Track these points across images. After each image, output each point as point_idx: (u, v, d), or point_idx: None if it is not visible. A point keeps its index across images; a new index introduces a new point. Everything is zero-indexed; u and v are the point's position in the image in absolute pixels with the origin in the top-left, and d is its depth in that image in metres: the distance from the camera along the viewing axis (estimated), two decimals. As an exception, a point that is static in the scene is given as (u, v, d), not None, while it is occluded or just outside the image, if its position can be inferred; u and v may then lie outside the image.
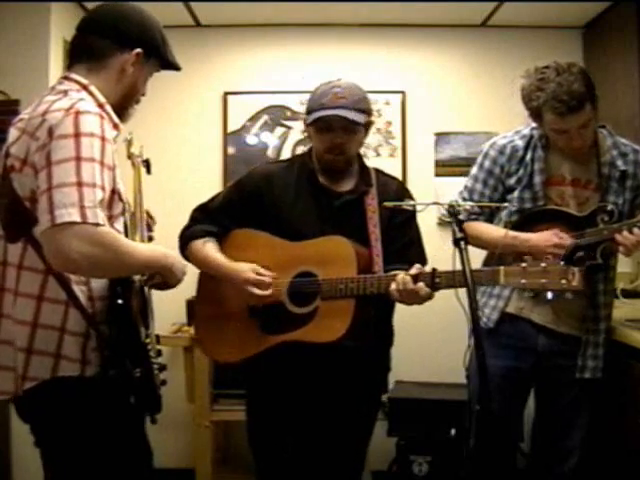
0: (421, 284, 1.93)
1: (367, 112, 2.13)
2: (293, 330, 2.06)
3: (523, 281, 1.88)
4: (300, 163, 2.22)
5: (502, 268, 1.91)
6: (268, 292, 2.07)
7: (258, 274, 2.08)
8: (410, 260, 2.10)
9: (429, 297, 1.96)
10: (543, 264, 1.86)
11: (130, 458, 1.65)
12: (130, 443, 1.66)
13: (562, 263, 1.87)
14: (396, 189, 2.23)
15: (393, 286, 1.96)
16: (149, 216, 1.92)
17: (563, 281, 1.83)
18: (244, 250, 2.15)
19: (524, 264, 1.88)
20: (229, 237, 2.20)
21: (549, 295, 1.91)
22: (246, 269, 2.09)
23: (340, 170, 2.17)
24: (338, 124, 2.08)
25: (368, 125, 2.17)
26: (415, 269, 1.96)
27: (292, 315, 2.09)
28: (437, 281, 1.93)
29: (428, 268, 2.11)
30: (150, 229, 1.93)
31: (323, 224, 2.11)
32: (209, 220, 2.21)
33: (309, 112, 2.14)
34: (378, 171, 2.26)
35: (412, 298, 1.96)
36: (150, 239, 1.91)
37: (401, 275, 1.95)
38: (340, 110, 2.06)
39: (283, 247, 2.12)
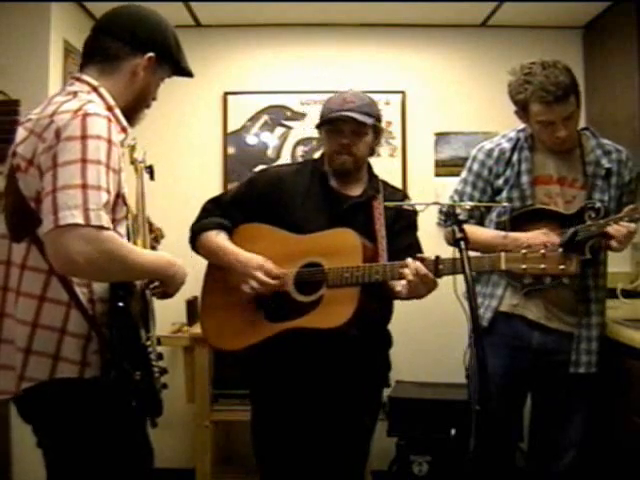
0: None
1: (375, 116, 2.23)
2: (298, 318, 2.09)
3: (523, 266, 1.93)
4: (312, 167, 2.31)
5: (503, 254, 1.97)
6: (275, 282, 2.10)
7: (267, 269, 2.12)
8: None
9: (434, 285, 1.99)
10: (542, 250, 1.92)
11: (130, 459, 1.64)
12: (130, 444, 1.65)
13: (560, 250, 1.93)
14: (401, 200, 2.30)
15: (406, 271, 1.98)
16: (157, 229, 1.92)
17: (562, 266, 1.90)
18: (252, 243, 2.19)
19: (524, 250, 1.94)
20: (237, 231, 2.24)
21: (547, 280, 1.96)
22: (260, 258, 2.13)
23: (349, 171, 2.23)
24: (346, 126, 2.18)
25: (377, 130, 2.26)
26: (419, 256, 2.00)
27: (297, 304, 2.11)
28: (440, 267, 1.97)
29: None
30: (157, 240, 1.93)
31: (330, 222, 2.16)
32: (221, 213, 2.25)
33: (321, 117, 2.25)
34: (385, 182, 2.34)
35: (421, 285, 1.98)
36: (153, 249, 1.91)
37: (411, 261, 1.98)
38: (347, 112, 2.16)
39: (290, 240, 2.17)
